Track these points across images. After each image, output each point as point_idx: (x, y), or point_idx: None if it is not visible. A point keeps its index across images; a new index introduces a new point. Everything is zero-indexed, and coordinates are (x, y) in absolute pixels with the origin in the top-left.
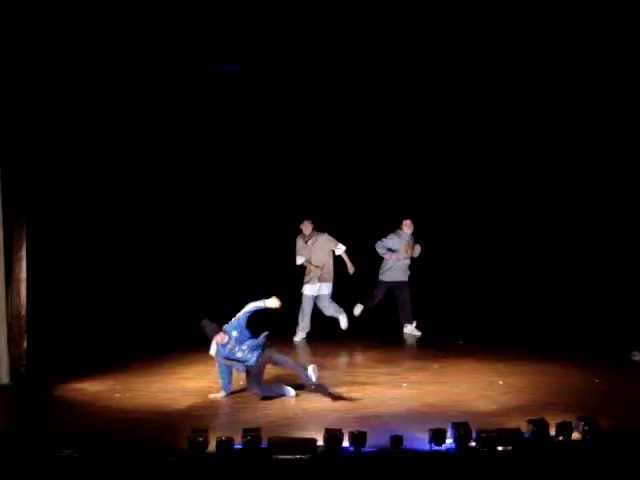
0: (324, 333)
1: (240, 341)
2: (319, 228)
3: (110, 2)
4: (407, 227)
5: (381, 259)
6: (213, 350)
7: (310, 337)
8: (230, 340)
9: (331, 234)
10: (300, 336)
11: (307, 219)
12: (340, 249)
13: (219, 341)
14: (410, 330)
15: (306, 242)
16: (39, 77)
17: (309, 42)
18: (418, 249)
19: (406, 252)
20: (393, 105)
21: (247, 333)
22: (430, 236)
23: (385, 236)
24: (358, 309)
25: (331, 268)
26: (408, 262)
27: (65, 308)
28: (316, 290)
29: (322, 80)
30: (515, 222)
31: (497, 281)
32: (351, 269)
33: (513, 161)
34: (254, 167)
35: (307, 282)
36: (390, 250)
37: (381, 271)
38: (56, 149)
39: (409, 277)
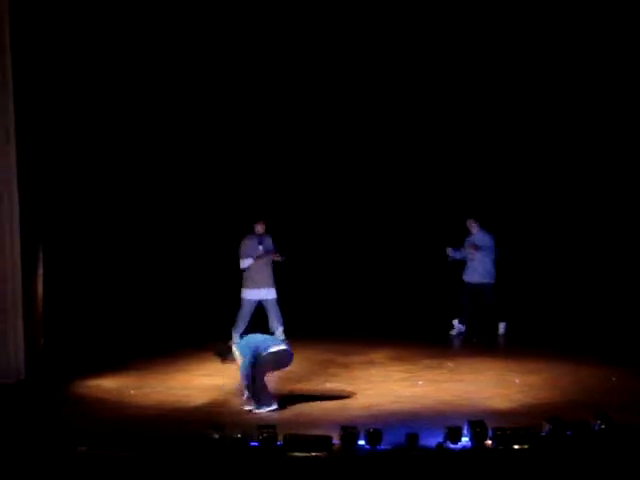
0: (338, 331)
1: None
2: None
3: (113, 8)
4: (471, 227)
5: None
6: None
7: (325, 335)
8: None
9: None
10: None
11: (261, 219)
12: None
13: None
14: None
15: (260, 242)
16: (58, 101)
17: (308, 43)
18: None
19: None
20: (396, 106)
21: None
22: (443, 232)
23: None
24: (456, 330)
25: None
26: (474, 262)
27: (82, 305)
28: (262, 295)
29: (317, 82)
30: (529, 218)
31: (512, 279)
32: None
33: (515, 163)
34: (256, 167)
35: (249, 287)
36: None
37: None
38: (68, 148)
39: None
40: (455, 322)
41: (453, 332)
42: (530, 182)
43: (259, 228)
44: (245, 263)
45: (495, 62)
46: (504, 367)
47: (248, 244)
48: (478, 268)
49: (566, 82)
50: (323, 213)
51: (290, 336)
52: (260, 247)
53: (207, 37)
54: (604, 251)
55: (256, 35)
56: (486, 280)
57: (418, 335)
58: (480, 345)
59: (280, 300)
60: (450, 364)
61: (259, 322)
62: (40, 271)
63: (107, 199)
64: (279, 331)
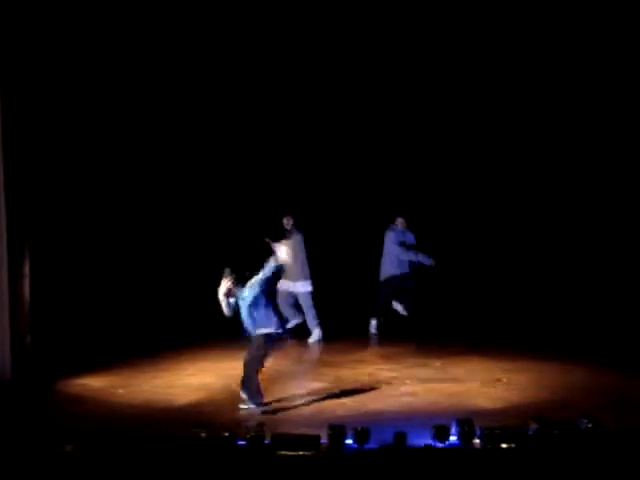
0: (326, 330)
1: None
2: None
3: (110, 5)
4: (400, 224)
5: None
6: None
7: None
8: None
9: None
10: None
11: (289, 214)
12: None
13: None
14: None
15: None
16: (44, 97)
17: (308, 43)
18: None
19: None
20: (394, 105)
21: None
22: (435, 234)
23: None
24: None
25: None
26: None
27: (68, 304)
28: (292, 287)
29: (318, 82)
30: (519, 220)
31: (500, 279)
32: None
33: (514, 163)
34: (254, 166)
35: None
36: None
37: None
38: (55, 147)
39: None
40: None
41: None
42: (529, 181)
43: (285, 222)
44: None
45: (493, 62)
46: (492, 366)
47: None
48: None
49: (562, 82)
50: (321, 212)
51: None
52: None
53: (204, 35)
54: (594, 251)
55: (255, 33)
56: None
57: (406, 334)
58: (468, 344)
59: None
60: (438, 363)
61: None
62: (27, 270)
63: (94, 198)
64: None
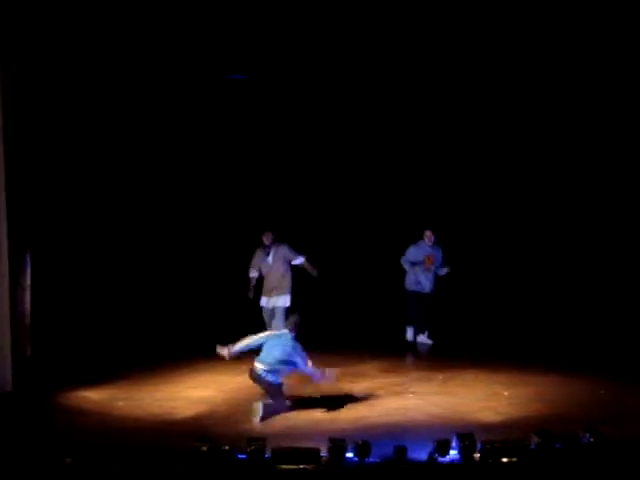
0: (330, 342)
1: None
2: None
3: (114, 7)
4: (427, 238)
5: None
6: None
7: (314, 347)
8: None
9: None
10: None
11: (268, 230)
12: (299, 260)
13: None
14: (422, 339)
15: (267, 253)
16: (46, 103)
17: (310, 48)
18: (444, 270)
19: (425, 264)
20: (400, 112)
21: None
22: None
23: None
24: (409, 333)
25: (288, 280)
26: (430, 274)
27: (70, 316)
28: (271, 302)
29: (324, 87)
30: (518, 233)
31: (501, 292)
32: (314, 272)
33: (515, 171)
34: (257, 173)
35: (263, 294)
36: (412, 263)
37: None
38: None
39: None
40: (422, 336)
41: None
42: (528, 202)
43: (266, 239)
44: (250, 273)
45: (493, 61)
46: (493, 380)
47: (256, 255)
48: (430, 279)
49: (562, 82)
50: (319, 223)
51: None
52: (268, 258)
53: (204, 35)
54: (592, 262)
55: (251, 36)
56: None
57: (408, 347)
58: (469, 357)
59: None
60: (440, 376)
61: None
62: (28, 281)
63: (94, 209)
64: None
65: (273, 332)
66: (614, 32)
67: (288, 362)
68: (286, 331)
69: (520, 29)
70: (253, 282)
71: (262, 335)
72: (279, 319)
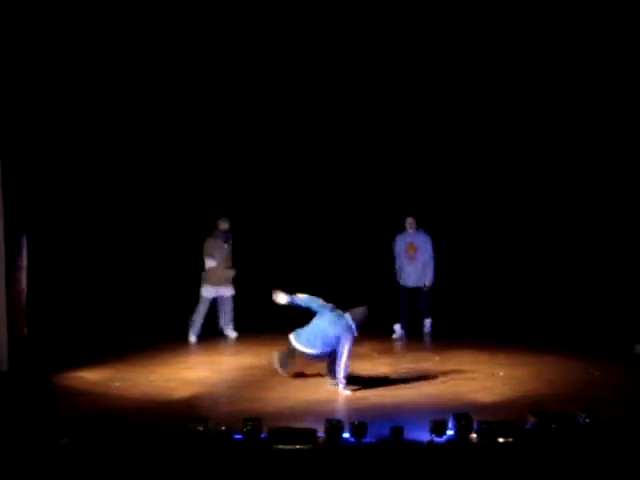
0: None
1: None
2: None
3: (108, 5)
4: (409, 225)
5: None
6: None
7: None
8: None
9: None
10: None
11: (225, 217)
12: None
13: None
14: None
15: (225, 242)
16: (41, 89)
17: (308, 43)
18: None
19: (407, 252)
20: (394, 105)
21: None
22: (433, 229)
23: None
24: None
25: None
26: (418, 266)
27: (66, 296)
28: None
29: (320, 81)
30: (515, 216)
31: (497, 273)
32: None
33: (513, 160)
34: (253, 166)
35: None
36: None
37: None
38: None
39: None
40: (397, 327)
41: (395, 336)
42: (527, 178)
43: (223, 225)
44: (208, 263)
45: (493, 62)
46: (489, 361)
47: (212, 243)
48: (417, 269)
49: (562, 82)
50: (299, 207)
51: (274, 329)
52: (225, 245)
53: (203, 36)
54: (590, 246)
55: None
56: (420, 283)
57: (404, 328)
58: (465, 339)
59: (261, 293)
60: (436, 357)
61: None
62: (24, 262)
63: (91, 190)
64: (230, 328)
65: (335, 309)
66: (614, 32)
67: (333, 344)
68: (349, 316)
69: (520, 28)
70: None
71: (324, 304)
72: (229, 307)
